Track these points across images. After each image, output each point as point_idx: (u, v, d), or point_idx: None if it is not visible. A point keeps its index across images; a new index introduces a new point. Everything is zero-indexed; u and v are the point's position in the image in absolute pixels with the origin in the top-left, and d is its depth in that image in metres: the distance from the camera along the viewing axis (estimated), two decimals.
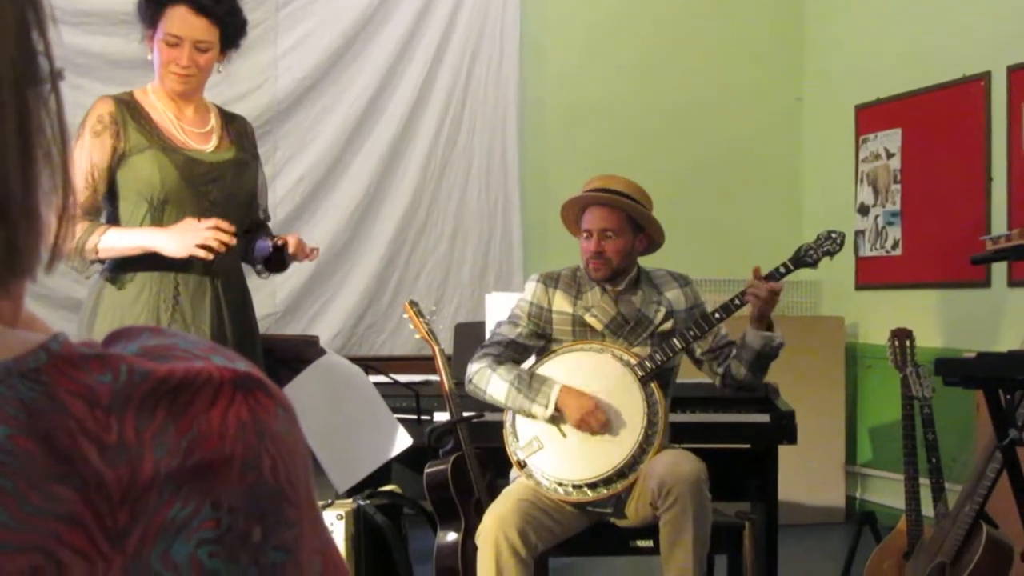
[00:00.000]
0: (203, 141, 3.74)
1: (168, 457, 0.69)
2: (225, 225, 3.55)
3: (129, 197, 3.63)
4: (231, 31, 3.73)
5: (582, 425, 4.09)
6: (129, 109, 3.66)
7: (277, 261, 3.87)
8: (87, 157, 3.58)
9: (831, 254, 4.27)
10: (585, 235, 4.29)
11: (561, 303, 4.30)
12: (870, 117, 7.31)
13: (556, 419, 4.13)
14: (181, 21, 3.61)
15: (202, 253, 3.51)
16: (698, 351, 4.34)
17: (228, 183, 3.72)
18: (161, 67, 3.66)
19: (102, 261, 3.62)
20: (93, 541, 0.67)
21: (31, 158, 0.72)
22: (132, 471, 0.68)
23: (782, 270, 4.22)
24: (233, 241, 3.57)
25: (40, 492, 0.66)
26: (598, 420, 4.09)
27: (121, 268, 3.63)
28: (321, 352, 4.06)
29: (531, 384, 4.14)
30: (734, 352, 4.29)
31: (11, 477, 0.66)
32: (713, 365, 4.35)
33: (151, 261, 3.59)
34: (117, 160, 3.62)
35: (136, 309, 3.59)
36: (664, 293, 4.36)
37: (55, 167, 0.74)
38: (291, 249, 3.80)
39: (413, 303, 4.81)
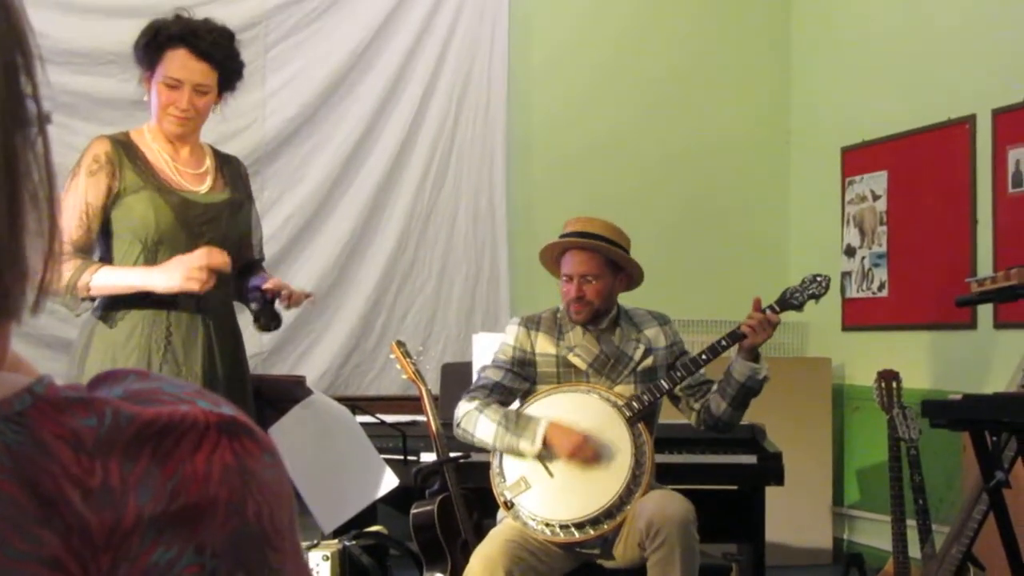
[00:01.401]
0: (198, 182, 3.74)
1: (152, 502, 0.69)
2: (216, 253, 3.55)
3: (123, 237, 3.63)
4: (229, 74, 3.76)
5: (572, 458, 4.08)
6: (125, 149, 3.66)
7: (269, 312, 3.84)
8: (82, 196, 3.58)
9: (816, 297, 4.28)
10: (565, 279, 4.30)
11: (544, 345, 4.31)
12: (856, 159, 7.34)
13: (544, 456, 4.12)
14: (181, 64, 3.63)
15: (195, 288, 3.50)
16: (677, 389, 4.33)
17: (223, 224, 3.72)
18: (160, 109, 3.67)
19: (92, 299, 3.61)
20: None
21: (17, 200, 0.72)
22: (116, 516, 0.68)
23: (767, 312, 4.23)
24: (227, 266, 3.56)
25: (23, 536, 0.66)
26: (586, 455, 4.08)
27: (113, 307, 3.62)
28: (308, 392, 4.05)
29: (518, 422, 4.14)
30: (715, 387, 4.28)
31: None
32: (690, 401, 4.34)
33: (143, 300, 3.58)
34: (112, 200, 3.62)
35: (128, 349, 3.58)
36: (643, 331, 4.36)
37: (41, 210, 0.74)
38: (282, 301, 3.79)
39: (400, 343, 4.81)
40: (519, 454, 4.14)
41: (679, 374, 4.22)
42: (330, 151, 7.04)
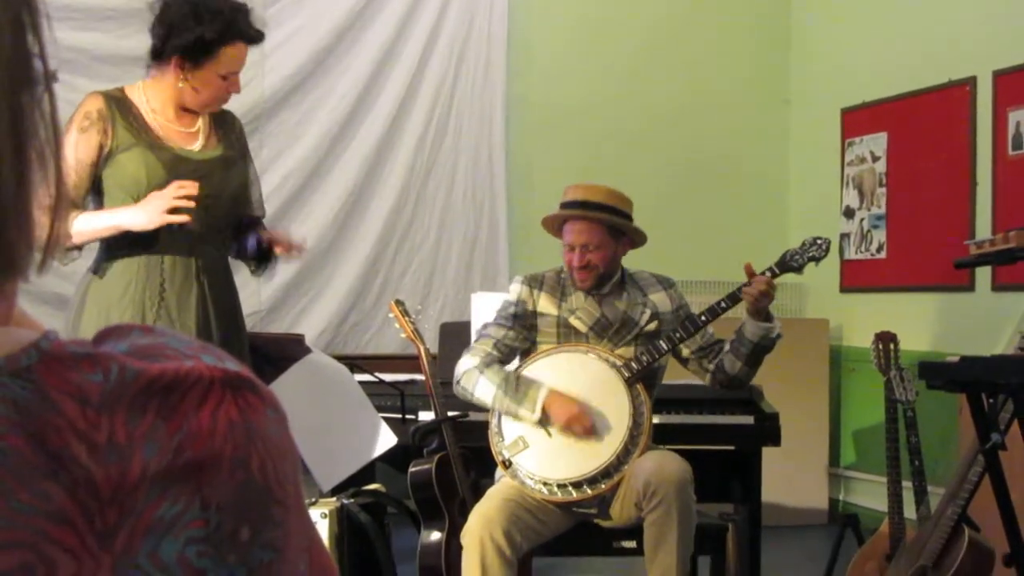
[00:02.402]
0: (190, 140, 3.73)
1: (158, 456, 0.69)
2: (188, 183, 3.53)
3: (115, 194, 3.62)
4: None
5: (567, 429, 4.10)
6: (119, 106, 3.64)
7: (264, 257, 3.86)
8: (72, 153, 3.56)
9: (817, 260, 4.28)
10: (567, 248, 4.30)
11: (546, 305, 4.31)
12: (856, 121, 7.33)
13: (543, 421, 4.14)
14: (243, 58, 3.66)
15: (172, 218, 3.48)
16: (685, 351, 4.35)
17: (215, 181, 3.71)
18: (213, 98, 3.68)
19: (79, 248, 3.59)
20: (82, 539, 0.67)
21: (24, 159, 0.72)
22: (121, 470, 0.68)
23: (767, 274, 4.23)
24: (195, 190, 3.53)
25: (30, 490, 0.66)
26: (583, 425, 4.10)
27: (107, 262, 3.63)
28: (307, 350, 4.06)
29: (518, 387, 4.15)
30: (727, 347, 4.30)
31: (1, 475, 0.66)
32: (703, 362, 4.36)
33: (135, 251, 3.59)
34: (104, 157, 3.60)
35: (122, 305, 3.58)
36: (649, 295, 4.37)
37: (48, 168, 0.74)
38: (278, 251, 3.80)
39: (399, 302, 4.81)
40: (519, 419, 4.15)
41: (678, 335, 4.23)
42: (329, 109, 7.02)
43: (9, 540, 0.65)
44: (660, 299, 4.38)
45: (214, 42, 3.58)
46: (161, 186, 3.58)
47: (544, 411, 4.10)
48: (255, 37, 3.68)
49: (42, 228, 0.74)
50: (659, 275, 4.49)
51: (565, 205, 4.34)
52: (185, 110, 3.72)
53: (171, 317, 3.62)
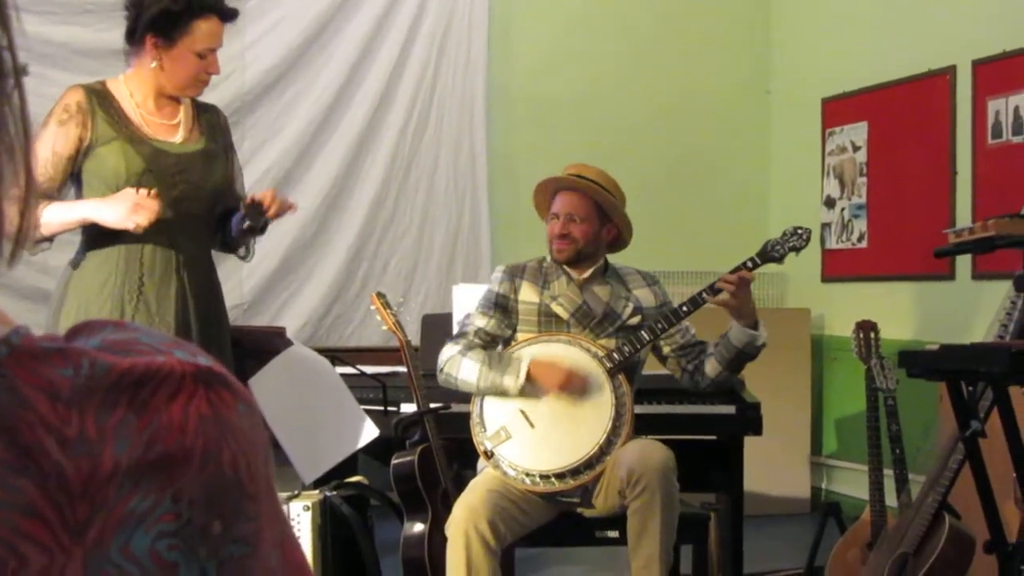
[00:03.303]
0: (171, 132, 3.71)
1: (129, 450, 0.69)
2: (152, 198, 3.49)
3: (95, 187, 3.61)
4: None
5: (561, 391, 4.10)
6: (99, 98, 3.62)
7: (255, 212, 3.71)
8: (49, 145, 3.55)
9: (797, 250, 4.30)
10: (552, 217, 4.33)
11: (527, 293, 4.32)
12: (837, 110, 7.35)
13: (528, 392, 4.12)
14: (217, 34, 3.62)
15: (138, 220, 3.45)
16: (666, 348, 4.36)
17: (195, 175, 3.69)
18: (191, 78, 3.64)
19: (49, 240, 3.56)
20: (53, 533, 0.67)
21: None
22: (92, 464, 0.68)
23: (749, 264, 4.24)
24: (156, 207, 3.49)
25: (1, 485, 0.67)
26: (575, 384, 4.10)
27: (86, 256, 3.62)
28: (288, 343, 4.06)
29: (501, 360, 4.16)
30: (711, 350, 4.30)
31: None
32: (682, 362, 4.37)
33: (116, 248, 3.58)
34: (84, 150, 3.59)
35: (101, 299, 3.58)
36: (632, 290, 4.38)
37: (18, 162, 0.74)
38: (270, 209, 3.69)
39: (380, 294, 4.80)
40: (503, 392, 4.14)
41: (660, 325, 4.24)
42: (310, 101, 7.01)
43: None
44: (644, 295, 4.39)
45: (183, 14, 3.56)
46: (142, 181, 3.56)
47: (530, 378, 4.10)
48: (226, 12, 3.65)
49: (11, 222, 0.74)
50: (644, 271, 4.50)
51: (555, 178, 4.38)
52: (168, 98, 3.70)
53: (150, 311, 3.61)
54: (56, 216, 3.52)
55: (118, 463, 0.69)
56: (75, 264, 3.65)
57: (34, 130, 0.76)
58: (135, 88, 3.68)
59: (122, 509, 0.69)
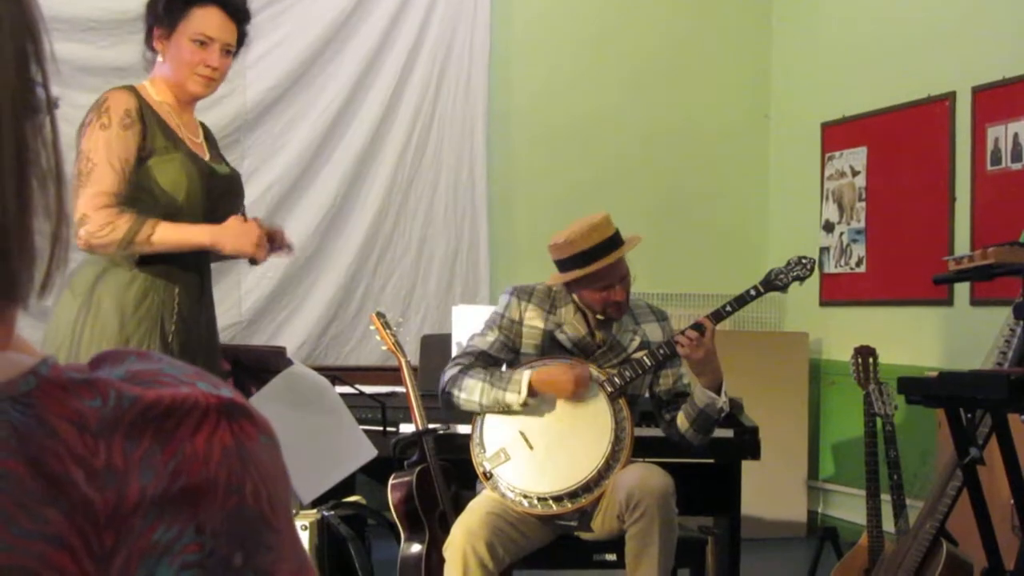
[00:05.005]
0: (201, 152, 3.63)
1: (154, 481, 0.70)
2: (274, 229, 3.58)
3: (142, 199, 3.44)
4: (241, 39, 3.66)
5: (573, 394, 4.10)
6: (144, 105, 3.49)
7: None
8: (122, 148, 3.40)
9: (801, 279, 4.31)
10: (604, 286, 4.20)
11: (533, 317, 4.30)
12: (836, 135, 7.37)
13: (531, 409, 4.12)
14: (214, 22, 3.52)
15: (261, 254, 3.51)
16: (658, 387, 4.34)
17: (234, 198, 3.66)
18: (186, 67, 3.52)
19: (147, 257, 3.45)
20: (79, 563, 0.68)
21: (27, 186, 0.74)
22: (119, 495, 0.69)
23: (752, 293, 4.25)
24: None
25: (28, 514, 0.67)
26: (580, 387, 4.10)
27: (127, 267, 3.47)
28: (288, 362, 4.06)
29: (502, 376, 4.15)
30: (683, 403, 4.29)
31: (1, 500, 0.67)
32: (663, 410, 4.36)
33: (155, 266, 3.47)
34: (142, 158, 3.45)
35: (139, 313, 3.44)
36: (642, 324, 4.37)
37: (49, 195, 0.75)
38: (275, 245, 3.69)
39: (380, 314, 4.81)
40: (506, 407, 4.12)
41: (662, 351, 4.22)
42: (311, 121, 7.02)
43: (9, 564, 0.66)
44: (652, 329, 4.37)
45: (186, 1, 3.50)
46: (194, 199, 3.48)
47: (532, 391, 4.10)
48: (232, 6, 3.57)
49: (42, 255, 0.75)
50: (654, 306, 4.49)
51: (587, 252, 4.16)
52: (183, 106, 3.61)
53: (186, 324, 3.52)
54: (172, 237, 3.41)
55: (143, 494, 0.70)
56: (104, 267, 3.48)
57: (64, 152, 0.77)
58: (163, 98, 3.57)
59: (147, 540, 0.70)
